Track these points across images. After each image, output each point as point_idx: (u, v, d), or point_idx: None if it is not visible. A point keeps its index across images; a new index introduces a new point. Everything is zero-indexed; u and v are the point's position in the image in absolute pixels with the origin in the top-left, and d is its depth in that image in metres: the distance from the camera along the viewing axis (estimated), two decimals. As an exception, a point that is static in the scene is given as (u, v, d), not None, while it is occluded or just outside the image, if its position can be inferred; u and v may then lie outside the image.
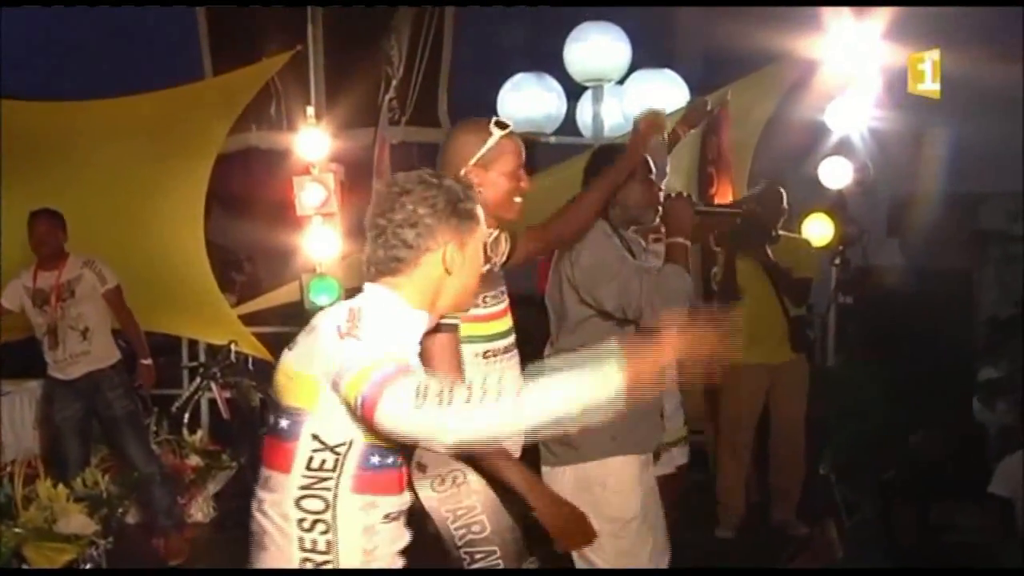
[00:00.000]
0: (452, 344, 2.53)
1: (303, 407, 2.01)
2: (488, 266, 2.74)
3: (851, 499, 5.52)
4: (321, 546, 2.03)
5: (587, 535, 2.68)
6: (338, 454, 2.01)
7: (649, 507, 3.23)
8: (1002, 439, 5.27)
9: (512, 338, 2.89)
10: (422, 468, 2.71)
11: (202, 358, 6.96)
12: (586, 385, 1.84)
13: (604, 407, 1.85)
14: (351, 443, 2.01)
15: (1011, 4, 5.94)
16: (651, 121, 3.28)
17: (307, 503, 2.02)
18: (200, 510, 5.71)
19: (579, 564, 3.17)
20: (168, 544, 5.14)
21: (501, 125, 2.81)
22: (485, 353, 2.79)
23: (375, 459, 2.03)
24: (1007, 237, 6.76)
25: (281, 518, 2.04)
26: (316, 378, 1.97)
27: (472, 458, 2.62)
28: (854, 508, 5.47)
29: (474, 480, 2.78)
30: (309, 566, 2.02)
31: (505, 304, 2.88)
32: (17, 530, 4.34)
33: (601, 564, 3.13)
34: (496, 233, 2.86)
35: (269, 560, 2.06)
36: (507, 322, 2.87)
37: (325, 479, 2.02)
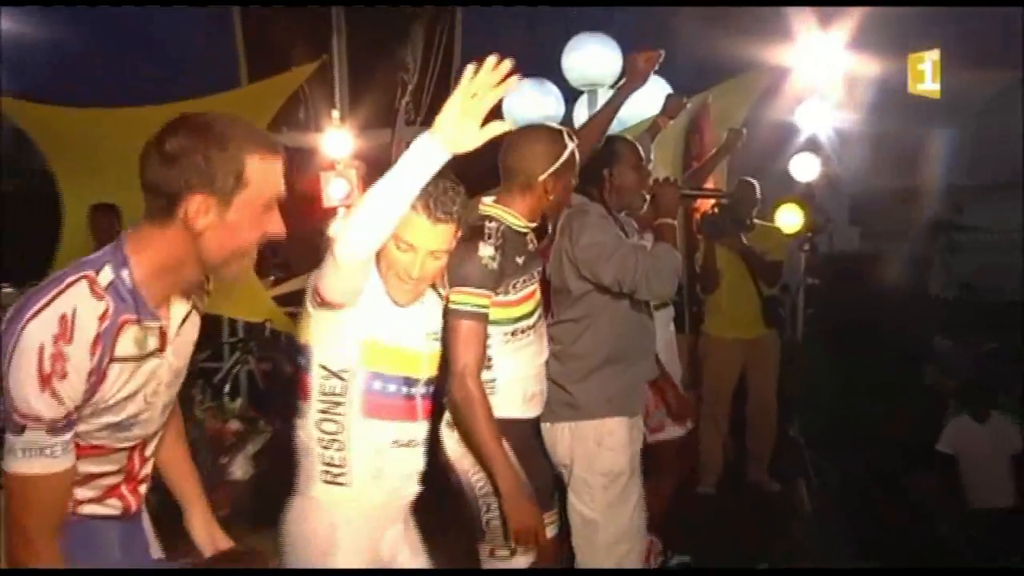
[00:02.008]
0: (479, 331, 2.63)
1: (308, 343, 2.26)
2: (523, 256, 2.84)
3: (817, 461, 5.73)
4: (337, 461, 2.26)
5: (539, 538, 2.69)
6: (344, 379, 2.23)
7: (635, 465, 3.31)
8: (948, 404, 5.48)
9: (539, 312, 2.94)
10: (451, 424, 2.79)
11: (241, 335, 7.20)
12: (408, 162, 1.92)
13: (428, 169, 1.91)
14: (353, 370, 2.24)
15: (1011, 4, 6.15)
16: (649, 56, 3.56)
17: (325, 426, 2.25)
18: (240, 468, 5.84)
19: (573, 516, 3.25)
20: (211, 498, 5.61)
21: (572, 137, 2.84)
22: (513, 332, 2.84)
23: (377, 384, 2.25)
24: (953, 226, 7.10)
25: (308, 438, 2.30)
26: (307, 307, 2.23)
27: (474, 442, 2.67)
28: (820, 470, 5.68)
29: None
30: (327, 477, 2.27)
31: (535, 285, 2.91)
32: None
33: (592, 514, 3.21)
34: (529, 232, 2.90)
35: (303, 472, 2.32)
36: (535, 301, 2.91)
37: (339, 403, 2.23)
